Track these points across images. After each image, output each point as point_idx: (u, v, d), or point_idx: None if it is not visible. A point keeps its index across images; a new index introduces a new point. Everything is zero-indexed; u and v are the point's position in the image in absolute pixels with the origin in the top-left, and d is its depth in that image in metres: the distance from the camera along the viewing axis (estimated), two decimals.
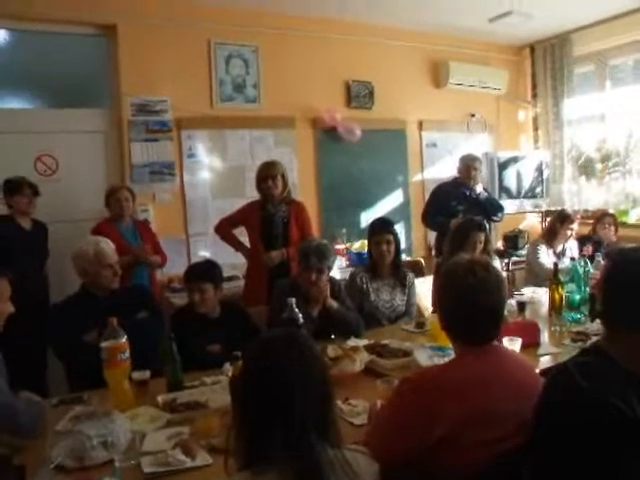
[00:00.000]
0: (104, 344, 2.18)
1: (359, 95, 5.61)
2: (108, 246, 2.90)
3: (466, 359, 1.59)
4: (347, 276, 3.70)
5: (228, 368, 2.40)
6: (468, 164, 4.99)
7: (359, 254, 4.93)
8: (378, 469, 1.32)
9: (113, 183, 4.30)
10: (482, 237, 3.69)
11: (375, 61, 5.63)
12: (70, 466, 1.75)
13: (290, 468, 1.17)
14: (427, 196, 5.36)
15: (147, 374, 2.37)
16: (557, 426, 1.27)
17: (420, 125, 6.03)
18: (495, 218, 5.05)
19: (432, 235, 5.39)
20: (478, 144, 6.25)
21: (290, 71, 5.16)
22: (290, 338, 1.33)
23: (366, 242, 3.72)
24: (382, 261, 3.42)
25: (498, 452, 1.42)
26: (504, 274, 4.62)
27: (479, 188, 5.04)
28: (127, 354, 2.21)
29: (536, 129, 6.63)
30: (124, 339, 2.21)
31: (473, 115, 6.30)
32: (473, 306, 1.56)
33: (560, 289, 3.21)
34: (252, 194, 4.15)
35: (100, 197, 4.04)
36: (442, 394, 1.47)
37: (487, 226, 3.86)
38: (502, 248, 5.71)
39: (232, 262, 4.24)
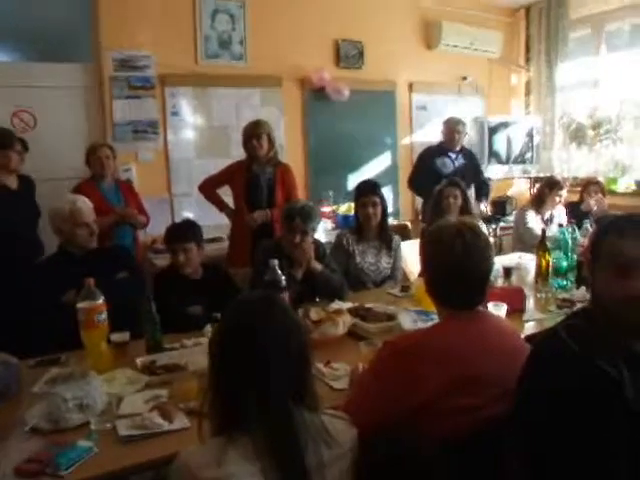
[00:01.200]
0: (80, 305, 2.12)
1: (348, 55, 5.47)
2: (85, 205, 2.82)
3: (450, 324, 1.56)
4: (333, 239, 3.66)
5: (209, 330, 2.36)
6: (451, 127, 4.93)
7: (345, 217, 4.87)
8: (356, 434, 1.30)
9: (94, 141, 4.17)
10: (456, 192, 3.72)
11: (366, 20, 5.48)
12: (45, 428, 1.71)
13: (264, 433, 1.14)
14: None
15: (126, 336, 2.33)
16: (544, 392, 1.24)
17: (410, 87, 5.92)
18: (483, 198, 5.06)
19: (420, 200, 5.35)
20: (469, 108, 6.15)
21: (278, 28, 5.01)
22: (267, 300, 1.29)
23: (352, 205, 3.68)
24: (368, 223, 3.38)
25: (479, 419, 1.39)
26: (491, 240, 4.61)
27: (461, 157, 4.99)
28: (104, 315, 2.16)
29: (528, 94, 6.56)
30: (101, 300, 2.15)
31: (465, 78, 6.20)
32: (460, 271, 1.51)
33: (547, 255, 3.18)
34: (237, 154, 4.08)
35: (81, 156, 3.90)
36: (424, 359, 1.44)
37: (463, 185, 3.86)
38: (490, 213, 5.68)
39: (216, 223, 4.17)
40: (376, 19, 5.52)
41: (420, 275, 1.67)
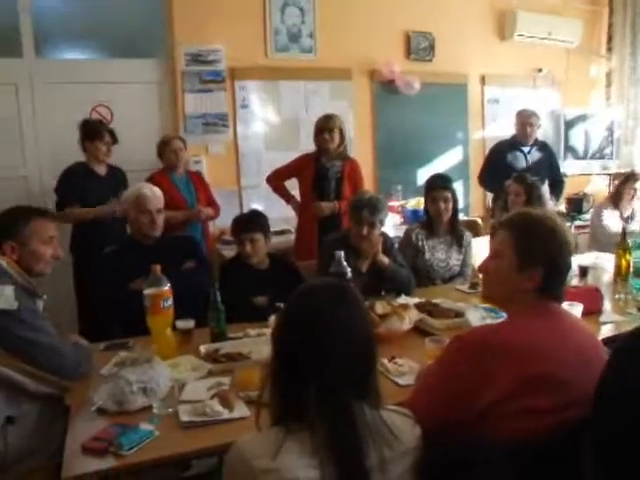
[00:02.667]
0: (147, 291, 2.16)
1: (419, 47, 5.35)
2: (151, 192, 2.86)
3: (523, 319, 1.46)
4: (401, 234, 3.59)
5: (273, 321, 2.34)
6: (524, 120, 4.73)
7: (414, 212, 4.78)
8: (420, 433, 1.23)
9: (167, 134, 4.27)
10: (520, 189, 3.60)
11: (437, 11, 5.33)
12: (110, 409, 1.76)
13: (322, 427, 1.09)
14: None
15: (191, 323, 2.36)
16: (627, 396, 1.14)
17: (482, 79, 5.72)
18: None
19: (490, 195, 5.18)
20: (544, 101, 5.89)
21: (347, 21, 4.95)
22: (336, 288, 1.23)
23: (422, 200, 3.59)
24: (439, 219, 3.30)
25: (553, 423, 1.30)
26: None
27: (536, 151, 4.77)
28: (170, 302, 2.19)
29: (609, 85, 6.20)
30: (167, 286, 2.17)
31: (540, 70, 5.93)
32: (569, 256, 1.46)
33: (627, 255, 3.00)
34: (306, 147, 4.07)
35: (153, 148, 4.02)
36: (496, 355, 1.35)
37: (533, 182, 3.68)
38: (565, 211, 5.43)
39: (284, 215, 4.18)
40: (448, 10, 5.37)
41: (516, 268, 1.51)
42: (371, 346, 1.21)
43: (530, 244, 1.47)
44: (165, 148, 3.92)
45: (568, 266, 1.50)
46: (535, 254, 1.46)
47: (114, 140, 3.80)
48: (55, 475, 1.79)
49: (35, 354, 1.86)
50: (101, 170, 3.80)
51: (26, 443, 1.86)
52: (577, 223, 5.31)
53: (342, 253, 2.34)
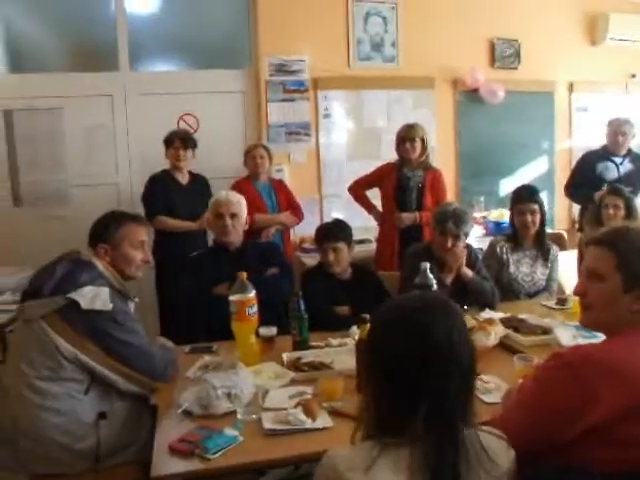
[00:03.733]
0: (233, 297, 2.19)
1: (504, 54, 5.20)
2: (226, 197, 2.89)
3: (630, 340, 1.35)
4: (483, 246, 3.50)
5: (355, 331, 2.33)
6: (615, 129, 4.48)
7: (497, 223, 4.64)
8: (514, 456, 1.17)
9: (252, 142, 4.36)
10: (618, 202, 3.39)
11: (522, 17, 5.16)
12: (196, 412, 1.80)
13: (425, 447, 1.06)
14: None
15: (274, 330, 2.38)
16: None
17: (570, 87, 5.48)
18: None
19: (577, 208, 4.95)
20: (638, 108, 5.58)
21: (430, 29, 4.88)
22: (445, 304, 1.18)
23: (505, 211, 3.49)
24: (525, 231, 3.19)
25: None
26: None
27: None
28: (255, 309, 2.21)
29: None
30: (252, 293, 2.21)
31: (634, 75, 5.62)
32: None
33: None
34: (388, 156, 4.05)
35: (238, 156, 4.13)
36: (603, 373, 1.25)
37: (627, 193, 3.48)
38: None
39: (365, 225, 4.15)
40: (534, 15, 5.18)
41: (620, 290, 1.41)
42: (475, 363, 1.16)
43: (636, 262, 1.37)
44: (248, 155, 4.02)
45: None
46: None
47: (187, 146, 3.87)
48: (140, 470, 1.89)
49: (128, 355, 1.93)
50: (183, 178, 3.93)
51: (116, 438, 1.93)
52: None
53: (428, 264, 2.30)
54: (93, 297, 1.89)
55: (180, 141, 3.85)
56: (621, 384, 1.24)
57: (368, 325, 1.94)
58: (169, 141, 3.86)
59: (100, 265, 2.04)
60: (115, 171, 4.46)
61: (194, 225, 3.74)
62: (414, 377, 1.10)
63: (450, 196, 4.30)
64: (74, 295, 1.87)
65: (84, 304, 1.86)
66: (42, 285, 1.92)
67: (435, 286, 2.27)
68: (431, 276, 2.28)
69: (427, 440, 1.06)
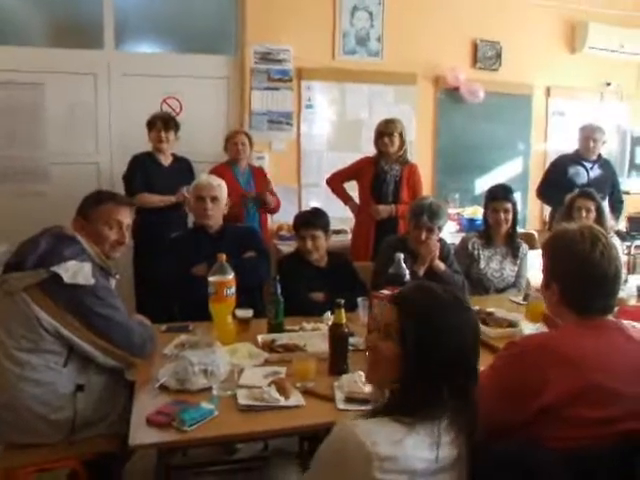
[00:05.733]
0: (212, 278, 2.24)
1: (485, 55, 5.29)
2: (207, 180, 2.95)
3: (579, 330, 1.47)
4: (456, 241, 3.60)
5: (329, 317, 2.39)
6: (587, 134, 4.61)
7: (471, 220, 4.76)
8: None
9: (232, 129, 4.39)
10: (590, 205, 3.46)
11: (505, 20, 5.26)
12: (173, 387, 1.85)
13: (450, 420, 1.19)
14: None
15: (250, 312, 2.44)
16: None
17: (547, 91, 5.61)
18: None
19: (548, 209, 5.10)
20: (611, 116, 5.73)
21: (415, 26, 4.95)
22: (457, 295, 1.31)
23: (479, 208, 3.58)
24: (498, 229, 3.30)
25: (607, 435, 1.31)
26: (624, 257, 4.29)
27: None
28: (233, 290, 2.26)
29: None
30: (231, 275, 2.25)
31: (609, 84, 5.77)
32: (601, 275, 1.44)
33: None
34: (368, 149, 4.11)
35: (220, 141, 4.15)
36: (551, 360, 1.36)
37: (598, 197, 3.57)
38: (625, 230, 5.28)
39: (341, 216, 4.21)
40: (516, 20, 5.28)
41: (544, 285, 1.57)
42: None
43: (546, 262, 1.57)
44: (229, 141, 4.05)
45: (590, 279, 1.47)
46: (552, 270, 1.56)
47: (169, 128, 3.87)
48: (114, 443, 1.96)
49: (108, 330, 1.96)
50: (166, 160, 3.95)
51: (92, 411, 1.98)
52: (637, 243, 5.17)
53: (402, 255, 2.37)
54: (75, 272, 1.91)
55: (162, 123, 3.86)
56: (570, 369, 1.34)
57: (342, 310, 2.03)
58: (151, 123, 3.87)
59: (83, 240, 2.06)
60: (95, 150, 4.45)
61: (172, 198, 3.76)
62: (450, 359, 1.22)
63: (426, 191, 4.39)
64: (57, 269, 1.89)
65: (66, 278, 1.89)
66: (25, 258, 1.94)
67: (408, 277, 2.35)
68: (404, 267, 2.35)
69: (452, 417, 1.20)
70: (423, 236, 2.86)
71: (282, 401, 1.77)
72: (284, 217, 4.23)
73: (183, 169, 4.02)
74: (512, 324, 2.53)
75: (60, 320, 1.91)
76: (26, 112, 4.30)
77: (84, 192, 2.26)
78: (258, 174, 4.16)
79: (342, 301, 2.03)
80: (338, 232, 4.24)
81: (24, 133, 4.30)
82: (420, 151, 5.01)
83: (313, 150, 4.83)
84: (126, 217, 2.21)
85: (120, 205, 2.21)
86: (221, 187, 2.96)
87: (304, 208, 4.42)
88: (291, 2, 4.60)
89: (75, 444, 1.96)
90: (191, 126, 4.32)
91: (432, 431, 1.16)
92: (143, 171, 3.82)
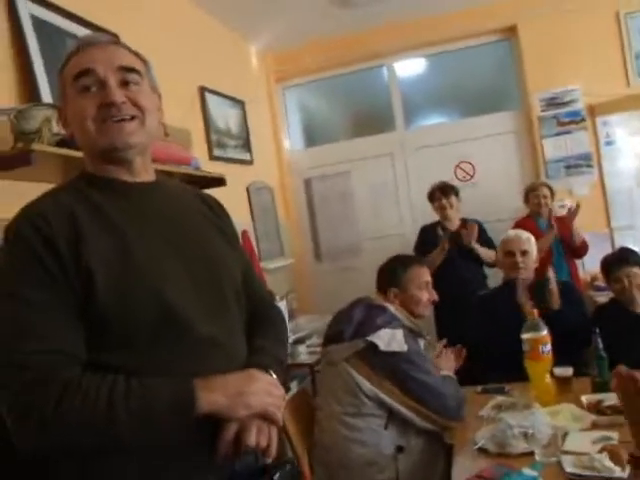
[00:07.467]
0: (525, 335, 2.17)
1: None
2: (518, 234, 2.91)
3: None
4: None
5: None
6: None
7: None
8: None
9: (529, 181, 4.32)
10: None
11: None
12: (492, 450, 1.82)
13: None
14: None
15: (570, 370, 2.28)
16: None
17: None
18: None
19: None
20: None
21: None
22: None
23: None
24: None
25: None
26: None
27: None
28: (549, 347, 2.16)
29: None
30: (545, 331, 2.16)
31: None
32: None
33: None
34: None
35: (515, 196, 4.12)
36: None
37: None
38: None
39: None
40: None
41: None
42: None
43: None
44: (530, 194, 3.99)
45: None
46: None
47: (447, 194, 3.91)
48: None
49: (423, 394, 2.04)
50: (451, 226, 3.94)
51: (413, 473, 2.04)
52: None
53: None
54: (390, 339, 2.06)
55: (440, 192, 3.97)
56: None
57: None
58: (431, 195, 4.01)
59: (392, 308, 2.23)
60: (400, 222, 4.81)
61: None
62: None
63: None
64: (372, 338, 2.06)
65: (382, 346, 2.04)
66: (343, 330, 2.15)
67: None
68: None
69: None
70: None
71: (617, 472, 1.58)
72: (597, 266, 3.89)
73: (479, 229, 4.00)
74: None
75: (378, 386, 2.05)
76: (338, 198, 4.94)
77: None
78: (560, 224, 3.95)
79: None
80: None
81: (339, 216, 4.93)
82: None
83: (621, 189, 4.41)
84: (429, 276, 2.38)
85: (423, 266, 2.39)
86: (529, 240, 2.91)
87: None
88: (567, 39, 4.41)
89: None
90: (485, 186, 4.38)
91: None
92: (431, 240, 3.86)
